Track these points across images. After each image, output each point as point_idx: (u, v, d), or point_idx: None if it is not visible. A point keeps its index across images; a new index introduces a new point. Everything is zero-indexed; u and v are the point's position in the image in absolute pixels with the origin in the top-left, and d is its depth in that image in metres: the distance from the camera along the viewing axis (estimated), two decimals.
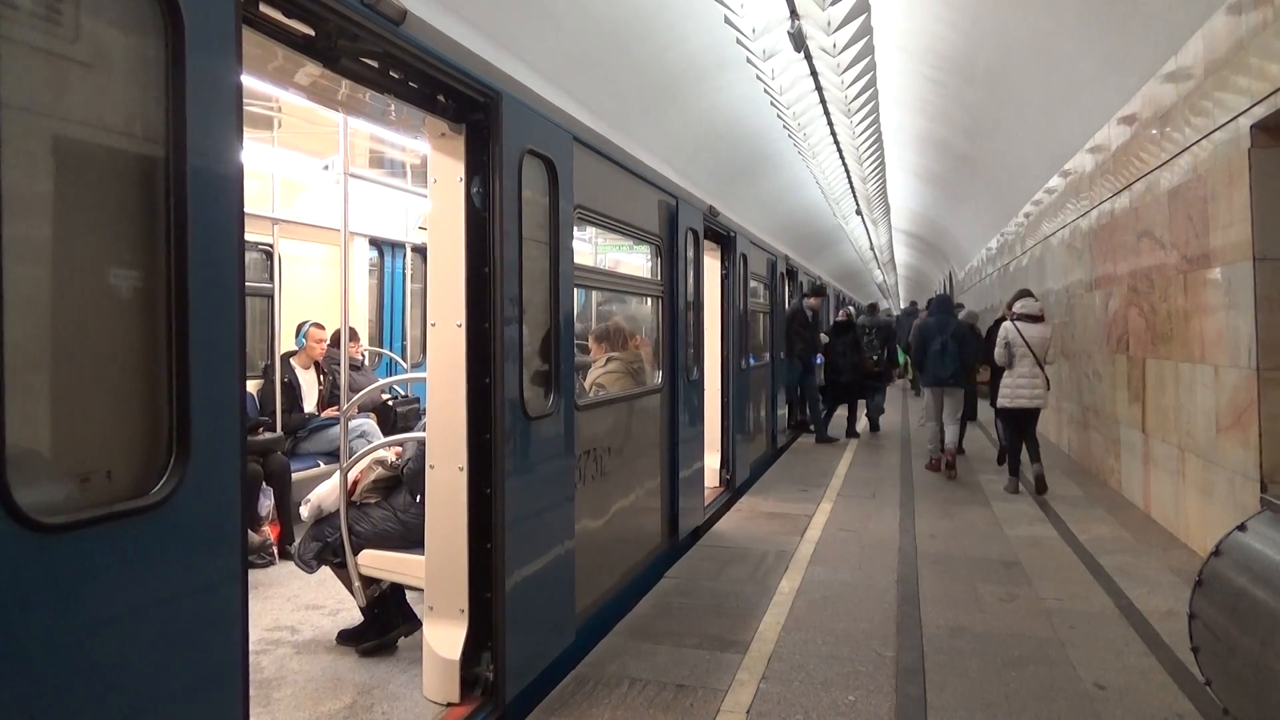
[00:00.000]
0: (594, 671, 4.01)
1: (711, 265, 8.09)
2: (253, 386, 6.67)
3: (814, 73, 7.99)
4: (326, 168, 6.53)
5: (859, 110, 9.86)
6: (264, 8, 2.46)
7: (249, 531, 5.01)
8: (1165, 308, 6.41)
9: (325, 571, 4.49)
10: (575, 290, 4.38)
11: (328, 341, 6.77)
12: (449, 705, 3.49)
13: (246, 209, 2.16)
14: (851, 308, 17.33)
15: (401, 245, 8.65)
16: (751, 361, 9.17)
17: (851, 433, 12.06)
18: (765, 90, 8.06)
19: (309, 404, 6.62)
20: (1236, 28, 4.92)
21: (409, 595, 4.44)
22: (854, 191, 14.90)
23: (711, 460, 7.86)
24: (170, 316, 1.90)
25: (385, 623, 4.36)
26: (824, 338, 12.39)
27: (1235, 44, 4.95)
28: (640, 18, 5.50)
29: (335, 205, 5.45)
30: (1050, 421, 11.45)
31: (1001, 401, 8.03)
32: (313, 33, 2.69)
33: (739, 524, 7.06)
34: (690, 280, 6.73)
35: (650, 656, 4.19)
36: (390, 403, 7.16)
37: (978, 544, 6.27)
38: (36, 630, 1.62)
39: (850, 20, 7.13)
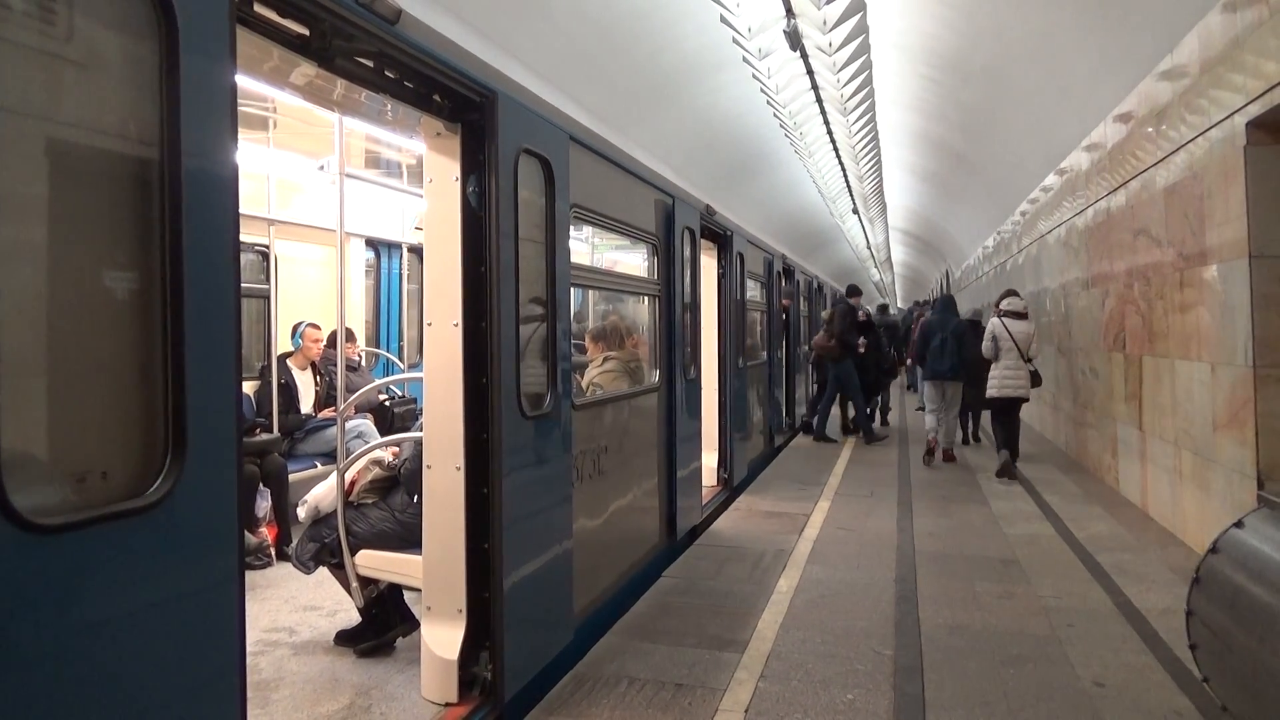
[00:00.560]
0: (592, 671, 4.01)
1: (708, 264, 8.08)
2: (249, 387, 6.66)
3: (810, 71, 7.99)
4: (322, 168, 6.52)
5: (855, 109, 9.88)
6: (258, 7, 2.45)
7: (246, 533, 4.99)
8: (1162, 305, 6.42)
9: (323, 572, 4.48)
10: (572, 289, 4.38)
11: (324, 342, 6.76)
12: (447, 705, 3.48)
13: (242, 210, 2.16)
14: (869, 307, 17.37)
15: (398, 245, 8.64)
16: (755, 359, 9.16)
17: (874, 429, 11.94)
18: (761, 89, 8.07)
19: (306, 405, 6.61)
20: (1232, 25, 4.93)
21: (407, 595, 4.44)
22: (850, 190, 14.91)
23: (709, 459, 7.85)
24: (166, 318, 1.90)
25: (383, 623, 4.36)
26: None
27: (1231, 41, 4.95)
28: (636, 17, 5.50)
29: (331, 206, 5.45)
30: (1047, 419, 11.48)
31: (990, 391, 8.83)
32: (307, 32, 2.68)
33: (737, 523, 7.06)
34: (687, 279, 6.73)
35: (648, 656, 4.19)
36: (387, 403, 7.15)
37: (976, 542, 6.28)
38: (32, 631, 1.61)
39: (846, 19, 7.14)
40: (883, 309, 14.34)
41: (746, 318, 9.27)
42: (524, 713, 3.61)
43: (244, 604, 2.14)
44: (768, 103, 8.49)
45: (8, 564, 1.57)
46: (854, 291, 12.61)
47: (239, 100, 2.15)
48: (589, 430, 4.69)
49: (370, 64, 3.05)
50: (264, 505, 5.87)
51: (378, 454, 4.40)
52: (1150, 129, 6.50)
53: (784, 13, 6.53)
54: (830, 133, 10.49)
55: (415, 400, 7.16)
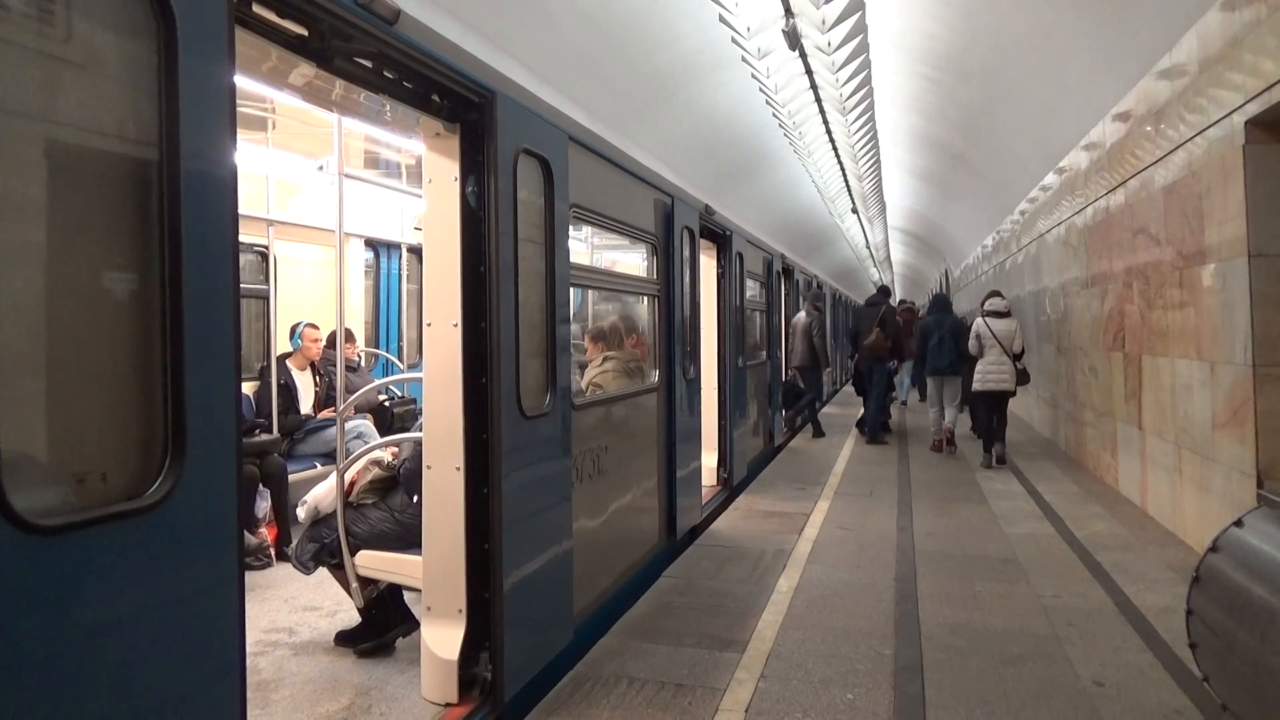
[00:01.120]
0: (592, 671, 4.01)
1: (708, 264, 8.08)
2: (249, 388, 6.65)
3: (809, 71, 7.99)
4: (321, 169, 6.51)
5: (854, 108, 9.88)
6: (257, 8, 2.45)
7: (246, 533, 4.99)
8: (1161, 304, 6.42)
9: (323, 573, 4.48)
10: (571, 289, 4.38)
11: (323, 342, 6.75)
12: (447, 705, 3.48)
13: (241, 210, 2.15)
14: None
15: (397, 246, 8.63)
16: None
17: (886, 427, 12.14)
18: (760, 89, 8.06)
19: (305, 405, 6.61)
20: (1230, 24, 4.93)
21: (407, 596, 4.44)
22: (850, 190, 14.90)
23: (709, 459, 7.85)
24: (165, 318, 1.90)
25: (383, 623, 4.36)
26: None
27: (1229, 40, 4.95)
28: (635, 17, 5.49)
29: (330, 206, 5.44)
30: (1046, 417, 11.48)
31: (975, 385, 9.44)
32: (306, 33, 2.68)
33: (737, 523, 7.06)
34: (686, 279, 6.73)
35: (648, 656, 4.19)
36: (387, 403, 7.15)
37: (975, 541, 6.28)
38: (32, 632, 1.61)
39: (844, 19, 7.14)
40: (883, 290, 14.19)
41: (746, 317, 9.27)
42: (524, 713, 3.61)
43: (244, 604, 2.14)
44: (766, 102, 8.48)
45: (8, 565, 1.57)
46: (886, 292, 12.80)
47: (238, 101, 2.15)
48: (589, 430, 4.69)
49: (369, 64, 3.05)
50: (264, 506, 5.87)
51: (377, 454, 4.40)
52: (1149, 128, 6.50)
53: (783, 12, 6.54)
54: (829, 132, 10.49)
55: (415, 400, 7.16)
